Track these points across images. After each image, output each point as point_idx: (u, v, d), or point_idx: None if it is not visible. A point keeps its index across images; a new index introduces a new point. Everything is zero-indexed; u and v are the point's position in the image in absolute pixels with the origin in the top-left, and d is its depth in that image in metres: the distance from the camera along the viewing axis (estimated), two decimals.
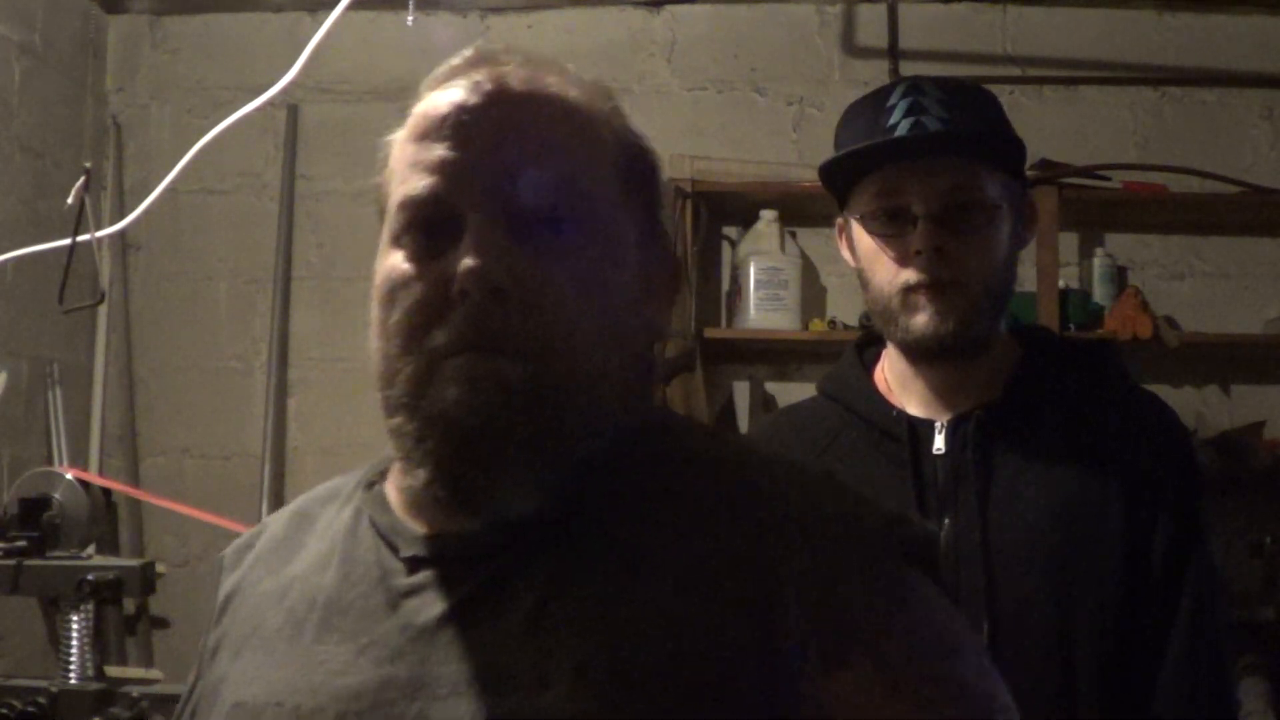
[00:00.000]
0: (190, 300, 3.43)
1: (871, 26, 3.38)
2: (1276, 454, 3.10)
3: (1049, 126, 3.24)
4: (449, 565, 0.77)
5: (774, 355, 3.25)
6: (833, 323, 3.18)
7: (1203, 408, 3.26)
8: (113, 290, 3.33)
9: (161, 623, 3.32)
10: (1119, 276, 3.24)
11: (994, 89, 1.44)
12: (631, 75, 3.31)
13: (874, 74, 3.27)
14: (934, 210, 1.29)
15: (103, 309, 3.28)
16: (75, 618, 1.83)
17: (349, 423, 3.37)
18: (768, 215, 3.14)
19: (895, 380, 1.41)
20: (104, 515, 2.21)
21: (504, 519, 0.76)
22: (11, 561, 1.88)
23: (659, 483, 0.79)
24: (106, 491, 2.36)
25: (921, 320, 1.30)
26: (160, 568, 2.06)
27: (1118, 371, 1.41)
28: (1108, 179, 3.18)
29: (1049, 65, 3.35)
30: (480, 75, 0.80)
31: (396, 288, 0.78)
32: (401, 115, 0.85)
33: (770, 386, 3.25)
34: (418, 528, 0.80)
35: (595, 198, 0.79)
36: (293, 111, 3.42)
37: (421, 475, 0.76)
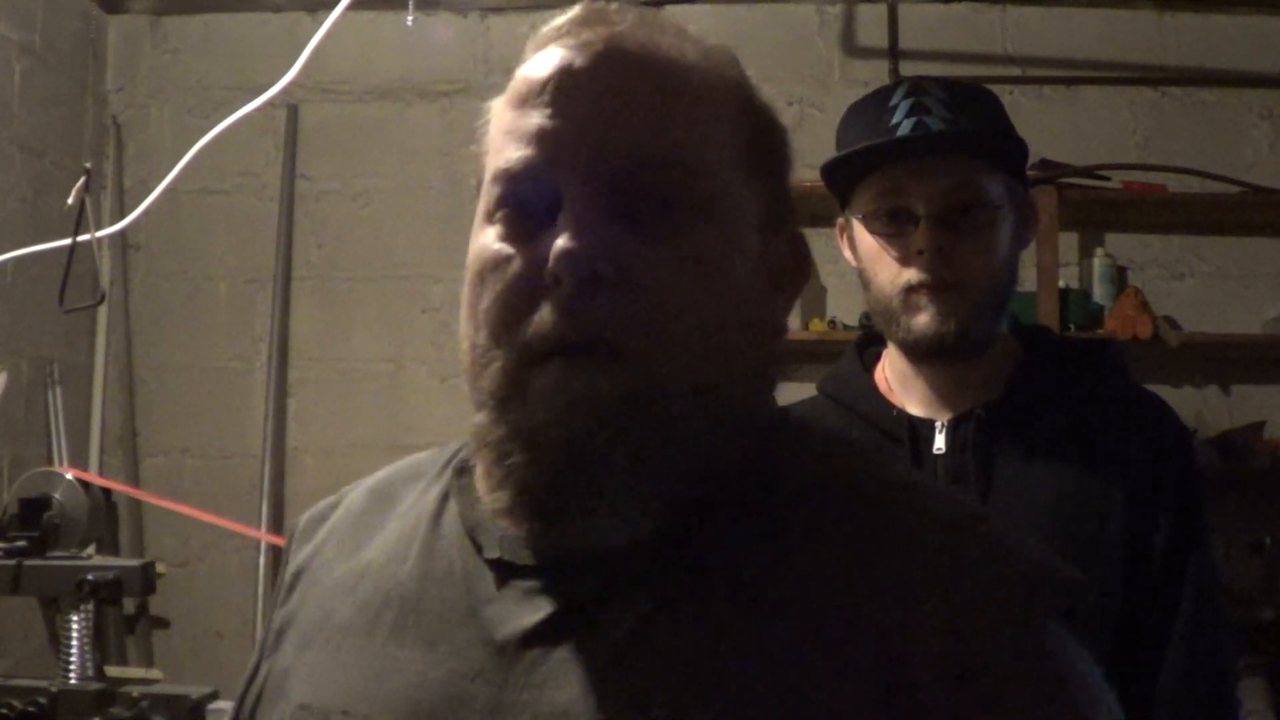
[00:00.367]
0: (190, 300, 3.43)
1: (871, 26, 3.38)
2: (1276, 454, 3.10)
3: (1049, 126, 3.24)
4: (537, 575, 0.68)
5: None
6: (833, 323, 3.19)
7: (1203, 408, 3.26)
8: (113, 290, 3.33)
9: (161, 623, 3.32)
10: (1119, 276, 3.25)
11: (994, 89, 1.44)
12: None
13: (874, 74, 3.27)
14: (936, 210, 1.29)
15: (103, 309, 3.29)
16: (75, 618, 1.83)
17: (349, 423, 3.38)
18: None
19: (895, 380, 1.40)
20: (104, 515, 2.21)
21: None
22: (11, 561, 1.88)
23: (785, 505, 0.69)
24: (106, 491, 2.36)
25: (923, 320, 1.30)
26: (160, 568, 2.06)
27: (1118, 371, 1.41)
28: (1108, 179, 3.19)
29: (1049, 65, 3.35)
30: (588, 34, 0.70)
31: (487, 270, 0.69)
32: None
33: None
34: (507, 527, 0.70)
35: (712, 174, 0.69)
36: (293, 111, 3.42)
37: (503, 498, 0.67)
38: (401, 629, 0.71)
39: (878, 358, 1.45)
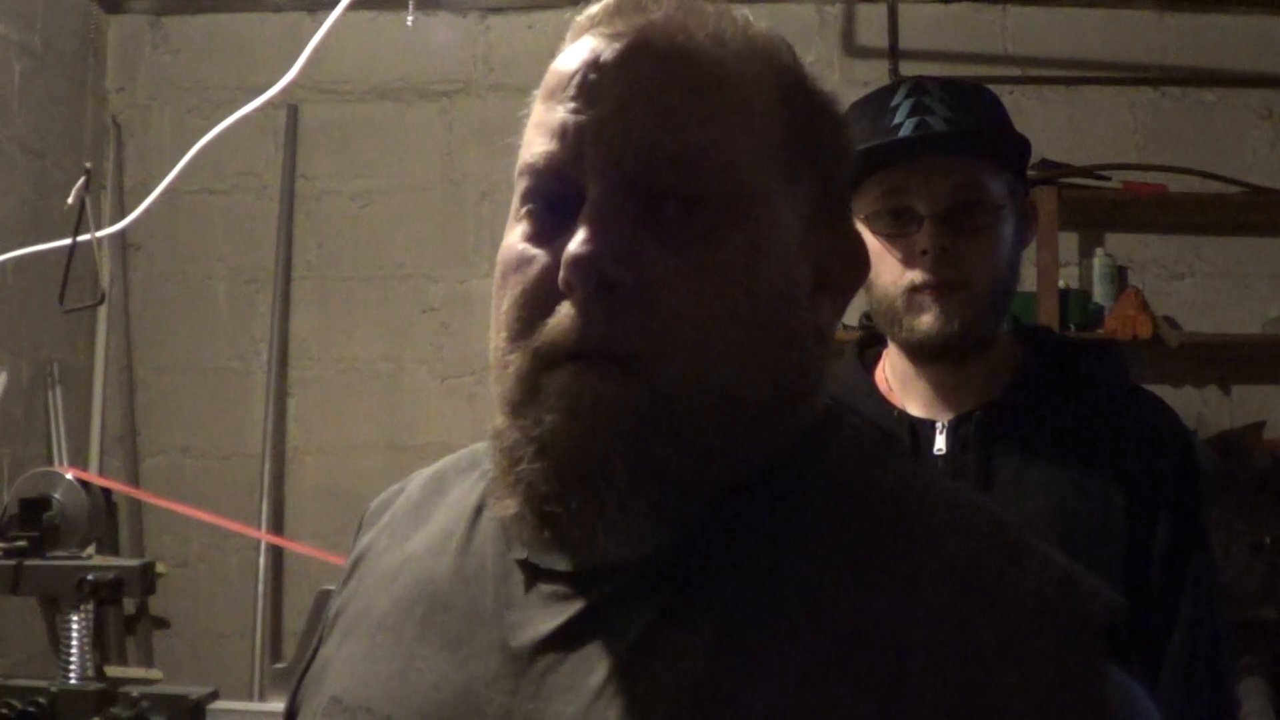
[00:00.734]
0: (190, 300, 3.43)
1: (871, 26, 3.38)
2: (1276, 454, 3.10)
3: (1049, 126, 3.24)
4: (561, 580, 0.67)
5: None
6: None
7: (1203, 408, 3.26)
8: (113, 290, 3.33)
9: (161, 623, 3.33)
10: (1119, 276, 3.25)
11: (994, 89, 1.44)
12: None
13: (874, 74, 3.27)
14: (939, 210, 1.29)
15: (103, 309, 3.29)
16: (75, 618, 1.83)
17: (349, 423, 3.38)
18: None
19: (896, 380, 1.40)
20: (104, 515, 2.21)
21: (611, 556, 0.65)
22: (11, 561, 1.88)
23: (801, 519, 0.66)
24: (106, 491, 2.36)
25: (926, 320, 1.30)
26: (160, 568, 2.06)
27: (1119, 372, 1.41)
28: (1108, 179, 3.19)
29: (1049, 65, 3.35)
30: (621, 24, 0.67)
31: (510, 270, 0.67)
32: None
33: None
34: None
35: (745, 173, 0.66)
36: (293, 111, 3.42)
37: (510, 506, 0.65)
38: (429, 626, 0.71)
39: (878, 358, 1.45)
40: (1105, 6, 3.34)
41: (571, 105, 0.66)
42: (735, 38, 0.69)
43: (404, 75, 3.43)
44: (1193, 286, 3.32)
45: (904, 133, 1.30)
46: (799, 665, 0.61)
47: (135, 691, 1.77)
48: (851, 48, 3.40)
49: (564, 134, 0.66)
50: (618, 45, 0.66)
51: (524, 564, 0.69)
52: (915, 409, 1.37)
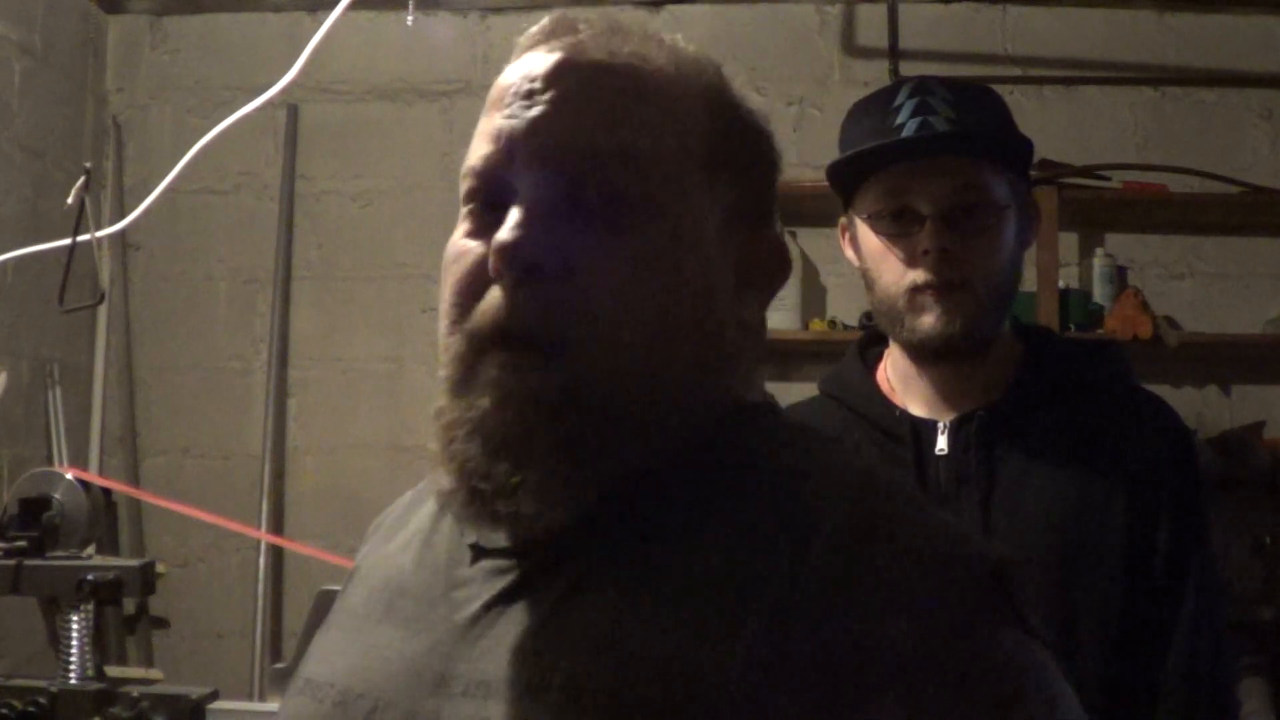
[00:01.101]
0: (190, 300, 3.43)
1: (871, 26, 3.38)
2: (1276, 454, 3.10)
3: (1049, 126, 3.24)
4: (497, 558, 0.74)
5: (774, 355, 3.25)
6: (833, 323, 3.19)
7: (1203, 408, 3.26)
8: (113, 290, 3.33)
9: (161, 623, 3.32)
10: (1119, 276, 3.24)
11: (993, 89, 1.44)
12: None
13: (874, 74, 3.27)
14: (942, 211, 1.29)
15: (103, 309, 3.28)
16: (75, 618, 1.83)
17: (349, 423, 3.38)
18: None
19: (898, 380, 1.40)
20: (104, 515, 2.21)
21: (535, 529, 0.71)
22: (11, 561, 1.87)
23: (710, 492, 0.71)
24: (106, 491, 2.36)
25: (928, 321, 1.30)
26: (160, 568, 2.06)
27: (1120, 372, 1.41)
28: (1108, 179, 3.19)
29: (1049, 65, 3.35)
30: (555, 43, 0.75)
31: (449, 263, 0.74)
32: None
33: (770, 386, 3.23)
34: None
35: (665, 170, 0.71)
36: (293, 111, 3.42)
37: (445, 481, 0.71)
38: (391, 610, 0.77)
39: (880, 358, 1.45)
40: (1105, 6, 3.34)
41: (507, 112, 0.73)
42: (660, 55, 0.75)
43: (404, 75, 3.43)
44: (1193, 286, 3.32)
45: (907, 133, 1.30)
46: (691, 614, 0.65)
47: (135, 691, 1.77)
48: (851, 48, 3.40)
49: (499, 138, 0.72)
50: (550, 59, 0.73)
51: (473, 546, 0.75)
52: (917, 409, 1.37)
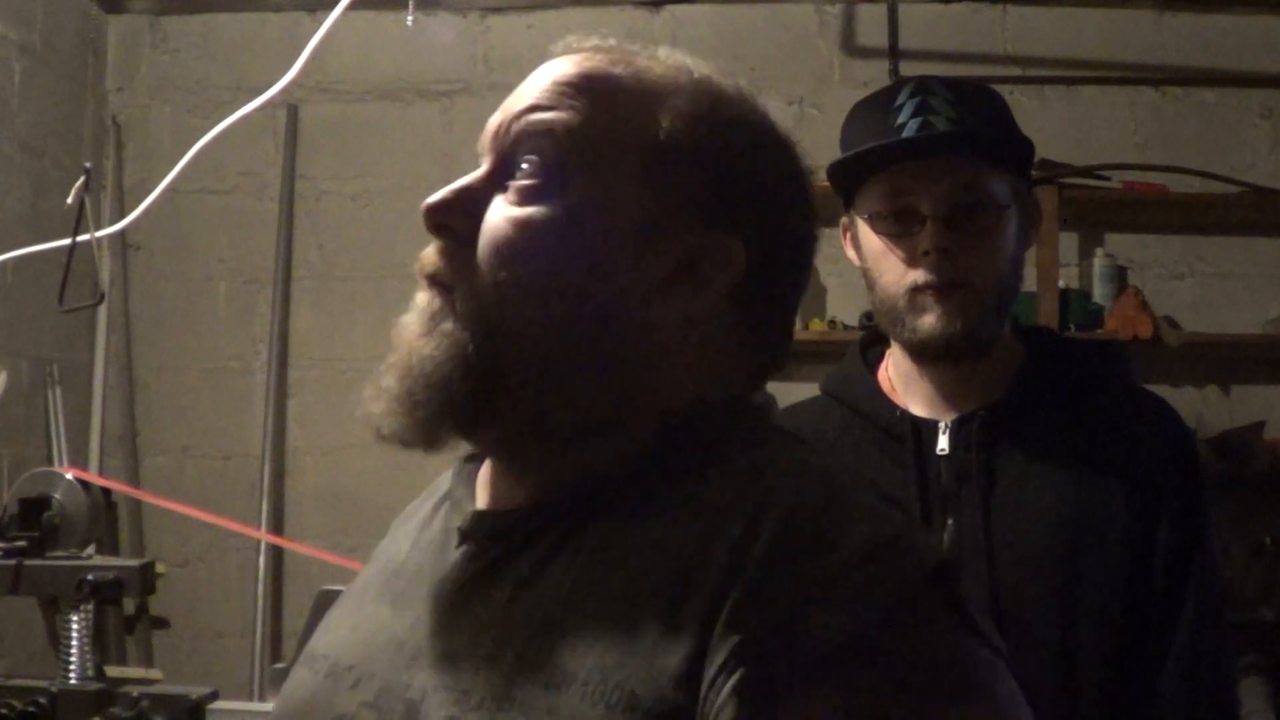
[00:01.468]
0: (190, 300, 3.43)
1: (871, 26, 3.38)
2: (1276, 454, 3.10)
3: (1049, 126, 3.24)
4: (479, 541, 0.78)
5: None
6: (833, 323, 3.19)
7: (1203, 408, 3.26)
8: (113, 290, 3.33)
9: (161, 623, 3.32)
10: (1119, 276, 3.25)
11: (994, 89, 1.43)
12: None
13: (874, 74, 3.27)
14: (943, 211, 1.29)
15: (103, 309, 3.29)
16: (75, 618, 1.83)
17: (349, 423, 3.35)
18: None
19: (899, 380, 1.40)
20: (104, 515, 2.21)
21: (539, 500, 0.77)
22: (11, 561, 1.87)
23: (670, 486, 0.74)
24: (106, 491, 2.36)
25: (929, 321, 1.30)
26: (160, 568, 2.06)
27: (1121, 372, 1.41)
28: (1108, 179, 3.19)
29: (1049, 65, 3.35)
30: (549, 60, 0.82)
31: None
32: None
33: (771, 386, 3.25)
34: (480, 500, 0.82)
35: (582, 153, 0.76)
36: (293, 111, 3.42)
37: (375, 416, 0.85)
38: (386, 589, 0.84)
39: (881, 358, 1.45)
40: (1105, 6, 3.34)
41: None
42: (646, 69, 0.80)
43: (404, 75, 3.43)
44: (1193, 286, 3.32)
45: (907, 133, 1.29)
46: (637, 594, 0.69)
47: (135, 691, 1.77)
48: (851, 48, 3.40)
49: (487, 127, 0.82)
50: (542, 70, 0.81)
51: (459, 531, 0.80)
52: (918, 409, 1.37)
